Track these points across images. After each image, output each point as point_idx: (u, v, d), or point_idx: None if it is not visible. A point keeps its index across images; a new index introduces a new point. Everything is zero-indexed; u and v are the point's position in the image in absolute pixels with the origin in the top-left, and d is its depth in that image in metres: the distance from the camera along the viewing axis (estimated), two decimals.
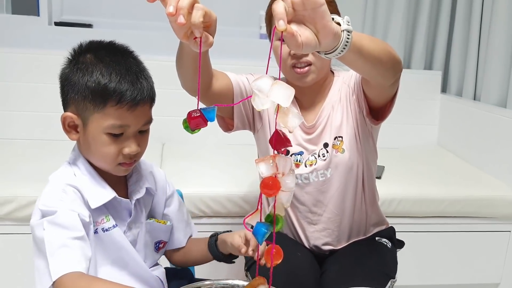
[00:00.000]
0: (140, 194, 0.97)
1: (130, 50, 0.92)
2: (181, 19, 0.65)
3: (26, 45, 2.24)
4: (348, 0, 2.33)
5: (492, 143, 2.03)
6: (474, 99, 2.33)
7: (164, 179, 1.07)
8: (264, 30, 2.62)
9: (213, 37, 0.71)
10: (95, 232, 0.89)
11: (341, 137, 1.16)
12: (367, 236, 1.26)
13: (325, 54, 0.74)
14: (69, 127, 0.90)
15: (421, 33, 2.45)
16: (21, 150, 2.00)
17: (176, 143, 2.17)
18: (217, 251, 1.03)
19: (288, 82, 1.19)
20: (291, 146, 0.68)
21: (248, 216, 0.67)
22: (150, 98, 0.90)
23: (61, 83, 0.91)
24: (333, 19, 0.72)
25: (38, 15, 2.32)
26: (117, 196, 0.92)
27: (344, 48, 0.73)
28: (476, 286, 1.92)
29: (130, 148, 0.88)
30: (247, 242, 0.96)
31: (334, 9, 1.13)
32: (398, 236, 1.36)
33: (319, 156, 1.17)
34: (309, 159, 1.18)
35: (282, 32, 0.63)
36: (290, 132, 0.81)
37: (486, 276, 1.90)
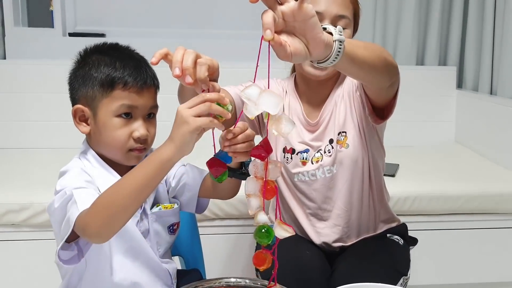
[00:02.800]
0: None
1: (132, 48, 0.98)
2: (188, 79, 0.69)
3: (42, 56, 2.30)
4: None
5: (511, 137, 1.97)
6: (491, 94, 2.28)
7: None
8: None
9: (218, 78, 0.75)
10: None
11: (345, 132, 1.15)
12: (378, 233, 1.24)
13: (317, 63, 0.75)
14: (80, 120, 0.94)
15: (434, 28, 2.40)
16: (37, 158, 2.05)
17: None
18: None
19: (299, 75, 1.19)
20: (270, 153, 0.71)
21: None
22: (154, 83, 0.94)
23: (70, 82, 0.96)
24: (325, 29, 0.73)
25: (53, 27, 2.38)
26: None
27: (336, 58, 0.74)
28: (496, 284, 1.86)
29: (139, 131, 0.92)
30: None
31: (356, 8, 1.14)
32: (414, 234, 1.33)
33: (325, 152, 1.17)
34: (315, 156, 1.18)
35: (269, 41, 0.64)
36: (283, 137, 0.80)
37: (506, 274, 1.84)
